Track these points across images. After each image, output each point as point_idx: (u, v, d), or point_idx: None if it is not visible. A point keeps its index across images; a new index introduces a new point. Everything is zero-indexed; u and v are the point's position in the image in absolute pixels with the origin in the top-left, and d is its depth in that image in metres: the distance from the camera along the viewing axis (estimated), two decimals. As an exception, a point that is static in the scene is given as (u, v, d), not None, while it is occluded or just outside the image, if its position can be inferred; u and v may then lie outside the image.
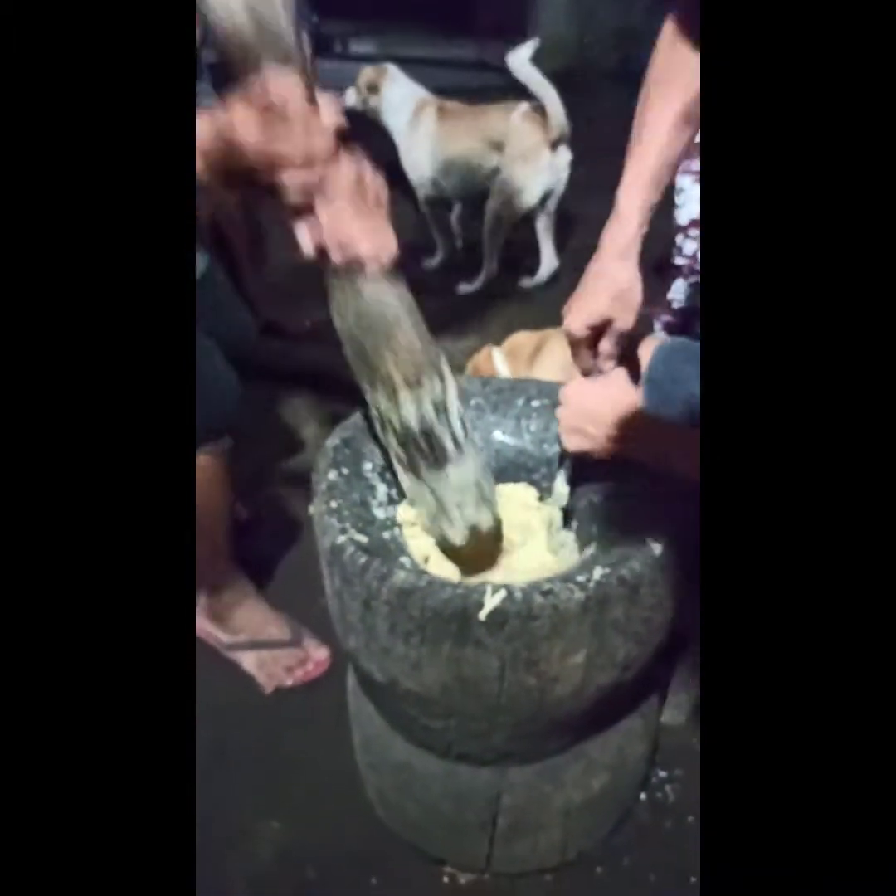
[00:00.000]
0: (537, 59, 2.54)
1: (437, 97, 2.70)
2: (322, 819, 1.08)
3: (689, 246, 1.50)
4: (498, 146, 2.53)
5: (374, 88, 2.67)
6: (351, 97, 2.74)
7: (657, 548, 0.76)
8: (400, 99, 2.67)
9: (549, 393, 1.01)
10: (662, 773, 1.13)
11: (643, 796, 1.10)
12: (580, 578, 0.72)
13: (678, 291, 1.57)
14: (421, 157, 2.66)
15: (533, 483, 0.98)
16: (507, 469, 1.00)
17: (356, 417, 0.96)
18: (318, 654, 1.29)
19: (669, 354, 1.08)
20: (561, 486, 0.91)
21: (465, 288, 2.66)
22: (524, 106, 2.52)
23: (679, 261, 1.54)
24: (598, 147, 4.02)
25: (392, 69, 2.70)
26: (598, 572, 0.72)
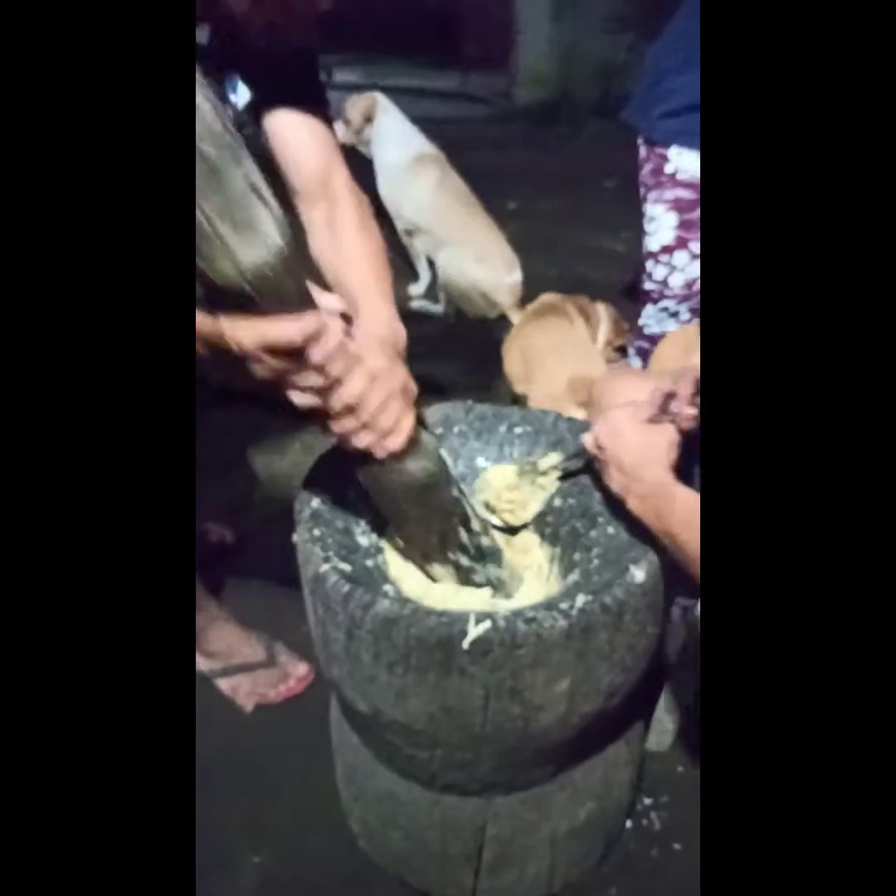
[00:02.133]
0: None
1: (438, 152, 2.69)
2: (305, 852, 1.07)
3: (659, 271, 1.53)
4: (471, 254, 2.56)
5: (369, 119, 2.68)
6: (340, 132, 2.76)
7: (640, 575, 0.76)
8: (393, 136, 2.67)
9: (532, 420, 1.02)
10: (648, 800, 1.13)
11: (629, 824, 1.09)
12: (563, 606, 0.72)
13: (648, 317, 1.59)
14: (407, 205, 2.65)
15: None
16: (491, 496, 1.00)
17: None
18: (298, 670, 1.28)
19: None
20: (553, 458, 0.95)
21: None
22: (517, 275, 2.54)
23: (648, 286, 1.56)
24: (579, 177, 4.11)
25: (382, 99, 2.72)
26: (581, 600, 0.73)
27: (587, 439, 0.87)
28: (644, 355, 1.63)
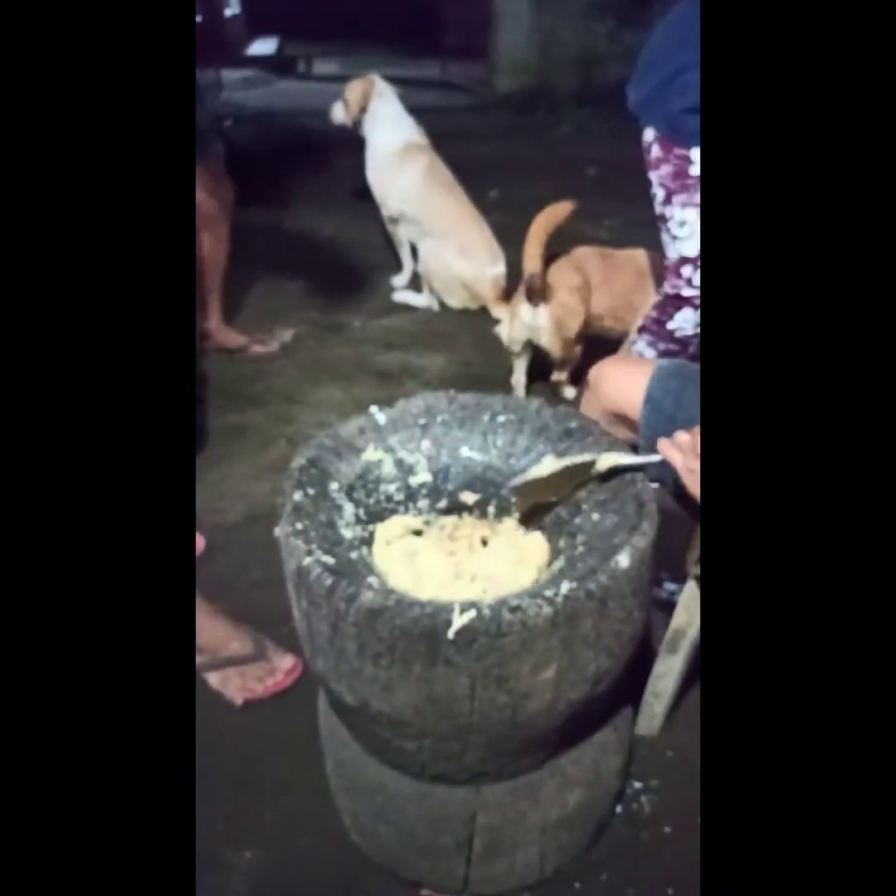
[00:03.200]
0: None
1: (428, 142, 2.68)
2: (296, 847, 1.06)
3: (699, 278, 1.51)
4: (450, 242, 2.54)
5: (364, 104, 2.66)
6: (339, 113, 2.73)
7: (624, 561, 0.76)
8: (385, 122, 2.66)
9: (515, 408, 1.01)
10: (637, 785, 1.13)
11: (619, 809, 1.10)
12: (548, 593, 0.72)
13: (685, 321, 1.57)
14: (392, 191, 2.65)
15: (499, 497, 0.98)
16: (475, 484, 1.00)
17: (322, 438, 0.95)
18: (285, 663, 1.29)
19: (667, 376, 1.10)
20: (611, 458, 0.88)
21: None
22: (501, 268, 2.54)
23: (688, 292, 1.54)
24: (560, 165, 4.11)
25: (380, 84, 2.69)
26: (565, 587, 0.73)
27: (672, 449, 0.85)
28: (671, 357, 1.61)
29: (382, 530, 0.91)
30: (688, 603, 1.06)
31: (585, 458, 0.88)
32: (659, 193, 1.50)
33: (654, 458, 0.89)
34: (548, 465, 0.89)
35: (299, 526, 0.81)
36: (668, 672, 1.13)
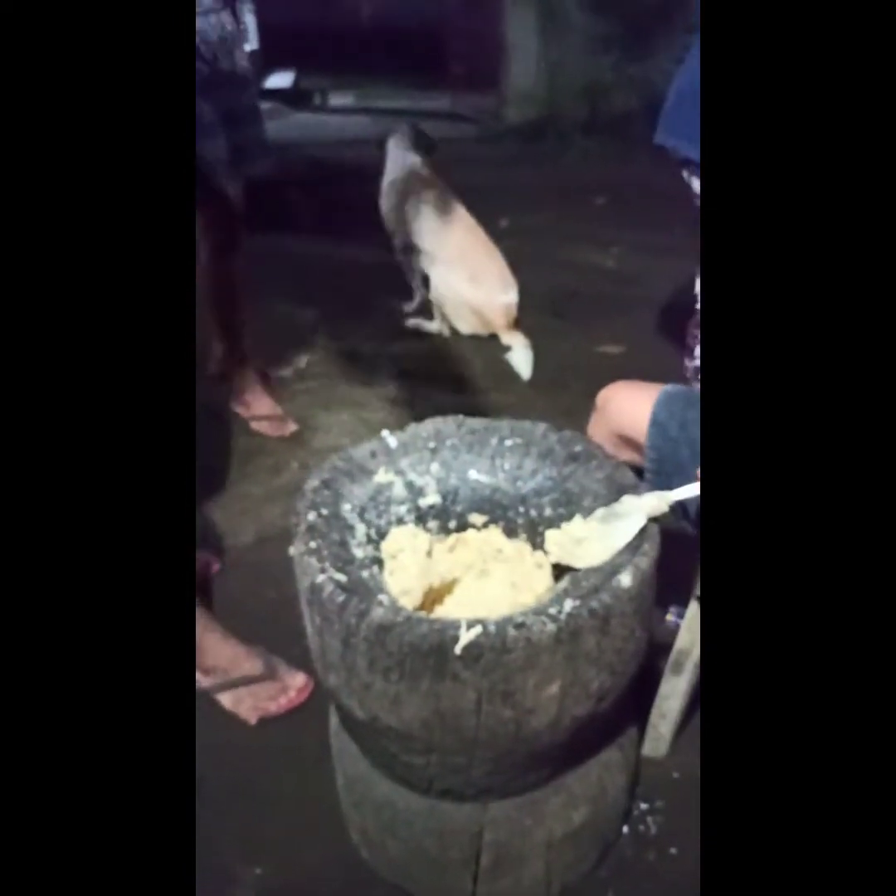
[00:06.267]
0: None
1: (430, 172, 2.74)
2: (306, 863, 1.08)
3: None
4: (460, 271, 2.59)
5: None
6: None
7: (626, 580, 0.79)
8: (391, 152, 2.81)
9: (522, 433, 1.05)
10: (644, 806, 1.14)
11: (626, 829, 1.11)
12: (552, 611, 0.75)
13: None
14: (400, 220, 2.72)
15: (507, 519, 1.01)
16: (483, 506, 1.03)
17: (334, 460, 0.99)
18: (296, 681, 1.30)
19: (672, 399, 1.13)
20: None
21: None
22: (513, 296, 2.58)
23: None
24: (568, 194, 4.17)
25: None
26: (568, 605, 0.75)
27: None
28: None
29: (392, 536, 0.95)
30: (691, 624, 1.08)
31: (633, 517, 0.87)
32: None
33: (694, 489, 0.88)
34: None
35: (313, 545, 0.84)
36: (673, 693, 1.15)
